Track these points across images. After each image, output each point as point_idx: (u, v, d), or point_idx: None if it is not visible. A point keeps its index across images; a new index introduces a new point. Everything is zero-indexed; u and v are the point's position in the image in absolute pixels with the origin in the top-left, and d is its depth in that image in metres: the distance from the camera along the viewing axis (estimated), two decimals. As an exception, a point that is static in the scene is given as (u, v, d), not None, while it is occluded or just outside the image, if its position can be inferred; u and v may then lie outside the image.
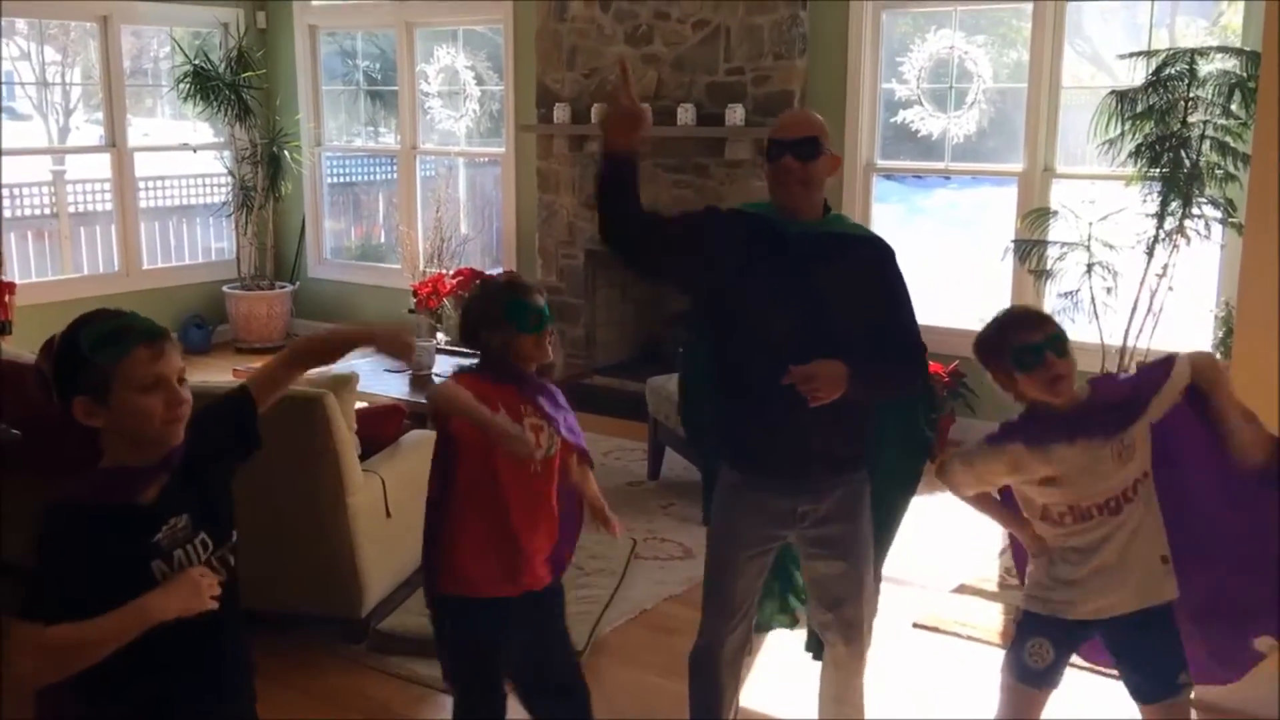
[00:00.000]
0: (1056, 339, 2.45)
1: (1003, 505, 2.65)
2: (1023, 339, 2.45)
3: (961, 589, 4.29)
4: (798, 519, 2.65)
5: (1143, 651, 2.54)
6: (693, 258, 2.59)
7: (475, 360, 2.58)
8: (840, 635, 2.74)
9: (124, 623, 1.76)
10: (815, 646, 2.94)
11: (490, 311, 2.51)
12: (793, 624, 3.02)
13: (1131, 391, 2.52)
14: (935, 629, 3.97)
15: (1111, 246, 5.30)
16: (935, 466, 2.64)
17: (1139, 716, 2.60)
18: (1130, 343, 5.29)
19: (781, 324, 2.52)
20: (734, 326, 2.61)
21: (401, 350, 2.32)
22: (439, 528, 2.58)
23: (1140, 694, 2.57)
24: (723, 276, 2.58)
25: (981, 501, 2.63)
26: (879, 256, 2.64)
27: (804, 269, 2.54)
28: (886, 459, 2.73)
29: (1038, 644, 2.55)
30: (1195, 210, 5.05)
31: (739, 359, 2.62)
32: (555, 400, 2.59)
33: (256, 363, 6.46)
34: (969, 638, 3.88)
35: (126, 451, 1.86)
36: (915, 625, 3.98)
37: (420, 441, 4.11)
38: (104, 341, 1.81)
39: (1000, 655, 2.74)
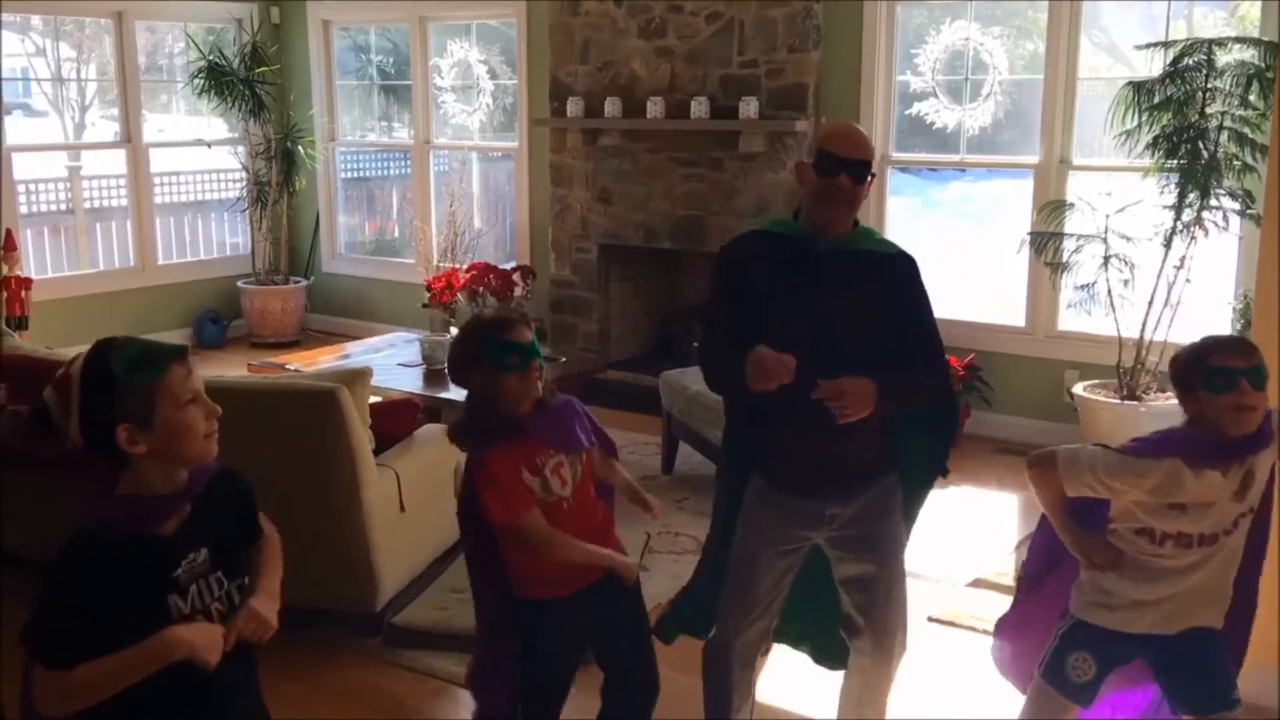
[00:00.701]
0: (1257, 370, 2.37)
1: (1073, 521, 2.54)
2: (1220, 360, 2.37)
3: (977, 583, 4.28)
4: (826, 521, 2.64)
5: (1196, 665, 2.49)
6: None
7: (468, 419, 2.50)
8: (869, 640, 2.70)
9: (147, 656, 1.76)
10: (824, 657, 2.93)
11: (469, 351, 2.46)
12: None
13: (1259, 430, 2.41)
14: (951, 623, 3.96)
15: (1128, 238, 5.27)
16: (1029, 459, 2.55)
17: None
18: (1147, 335, 5.26)
19: (808, 339, 2.51)
20: (762, 340, 2.59)
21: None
22: (485, 566, 2.59)
23: (1196, 707, 2.50)
24: (750, 301, 2.58)
25: (1060, 511, 2.52)
26: (904, 271, 2.65)
27: (831, 286, 2.55)
28: (904, 467, 2.70)
29: (1082, 658, 2.51)
30: (1213, 202, 5.02)
31: None
32: (563, 420, 2.52)
33: (271, 357, 6.47)
34: (984, 632, 3.85)
35: (154, 476, 1.85)
36: (930, 619, 3.97)
37: (434, 436, 4.12)
38: (139, 364, 1.80)
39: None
